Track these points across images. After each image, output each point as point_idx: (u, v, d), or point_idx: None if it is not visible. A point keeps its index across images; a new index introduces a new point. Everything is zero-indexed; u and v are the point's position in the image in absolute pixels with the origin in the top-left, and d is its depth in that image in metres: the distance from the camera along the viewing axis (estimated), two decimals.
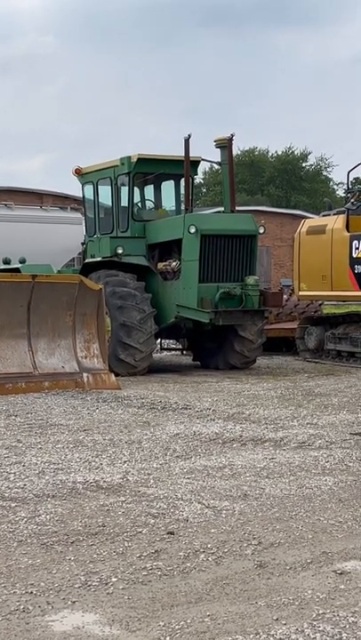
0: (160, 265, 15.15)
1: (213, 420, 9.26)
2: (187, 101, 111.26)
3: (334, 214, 16.95)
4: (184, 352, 17.75)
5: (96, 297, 12.47)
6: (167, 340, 17.91)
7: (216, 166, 20.78)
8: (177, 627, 3.72)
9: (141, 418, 9.45)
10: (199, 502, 5.76)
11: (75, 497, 5.94)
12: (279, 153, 67.68)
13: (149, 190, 16.27)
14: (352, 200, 16.37)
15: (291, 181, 65.34)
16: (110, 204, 15.82)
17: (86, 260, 15.88)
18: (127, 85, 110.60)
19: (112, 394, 11.40)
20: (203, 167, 59.92)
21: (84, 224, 17.60)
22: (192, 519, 5.37)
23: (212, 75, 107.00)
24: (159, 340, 16.69)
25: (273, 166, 66.29)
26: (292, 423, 8.99)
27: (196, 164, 15.87)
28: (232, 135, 14.97)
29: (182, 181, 15.44)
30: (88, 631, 3.70)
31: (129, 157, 15.24)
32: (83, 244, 16.84)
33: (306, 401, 10.82)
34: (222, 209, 16.22)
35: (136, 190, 15.80)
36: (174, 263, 14.82)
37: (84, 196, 16.76)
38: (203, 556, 4.68)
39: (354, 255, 15.66)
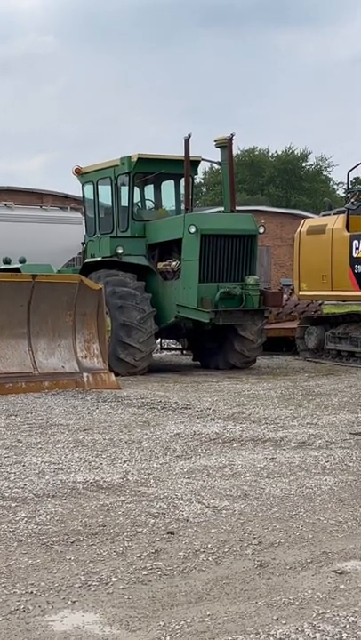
0: (160, 265, 15.15)
1: (213, 419, 9.26)
2: (187, 101, 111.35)
3: (334, 214, 16.95)
4: (184, 352, 17.76)
5: (96, 297, 12.47)
6: (167, 340, 17.91)
7: (216, 166, 20.80)
8: (177, 626, 3.72)
9: (141, 418, 9.45)
10: (199, 502, 5.77)
11: (75, 497, 5.94)
12: (279, 153, 67.73)
13: (149, 190, 16.27)
14: (352, 200, 16.37)
15: (291, 181, 65.33)
16: (110, 203, 15.82)
17: (86, 260, 15.88)
18: (127, 85, 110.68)
19: (112, 394, 11.40)
20: (203, 167, 59.92)
21: (84, 224, 17.60)
22: (192, 519, 5.37)
23: (212, 75, 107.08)
24: (159, 340, 16.69)
25: (273, 166, 66.28)
26: (293, 423, 8.99)
27: (196, 163, 15.87)
28: (232, 135, 14.98)
29: (182, 181, 15.44)
30: (88, 631, 3.70)
31: (129, 157, 15.24)
32: (83, 243, 16.84)
33: (306, 401, 10.82)
34: (222, 209, 16.22)
35: (136, 190, 15.79)
36: (174, 263, 14.82)
37: (84, 196, 16.76)
38: (203, 555, 4.68)
39: (354, 255, 15.66)
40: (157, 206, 16.31)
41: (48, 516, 5.43)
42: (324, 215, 17.98)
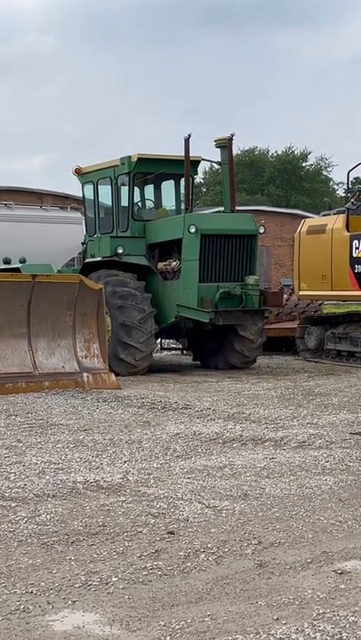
0: (160, 265, 15.16)
1: (214, 419, 9.26)
2: (187, 101, 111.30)
3: (334, 214, 16.96)
4: (184, 352, 17.76)
5: (96, 297, 12.47)
6: (167, 340, 17.91)
7: (216, 166, 20.79)
8: (177, 626, 3.72)
9: (141, 417, 9.45)
10: (199, 502, 5.77)
11: (75, 497, 5.94)
12: (279, 153, 67.72)
13: (149, 190, 16.27)
14: (352, 200, 16.37)
15: (291, 181, 65.31)
16: (110, 203, 15.82)
17: (86, 260, 15.88)
18: (127, 85, 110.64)
19: (112, 393, 11.40)
20: (203, 167, 59.91)
21: (84, 224, 17.60)
22: (192, 519, 5.37)
23: (212, 75, 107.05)
24: (159, 340, 16.69)
25: (273, 166, 66.26)
26: (293, 423, 8.99)
27: (196, 163, 15.87)
28: (232, 135, 14.98)
29: (182, 181, 15.44)
30: (88, 631, 3.70)
31: (129, 157, 15.24)
32: (83, 243, 16.85)
33: (306, 401, 10.82)
34: (222, 209, 16.22)
35: (136, 190, 15.80)
36: (174, 263, 14.83)
37: (84, 196, 16.77)
38: (203, 555, 4.69)
39: (354, 255, 15.66)
40: (157, 206, 16.31)
41: (48, 516, 5.43)
42: (324, 215, 17.99)
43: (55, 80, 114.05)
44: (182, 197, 15.69)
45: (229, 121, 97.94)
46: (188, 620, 3.78)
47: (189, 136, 14.57)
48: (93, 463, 6.98)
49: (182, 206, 15.44)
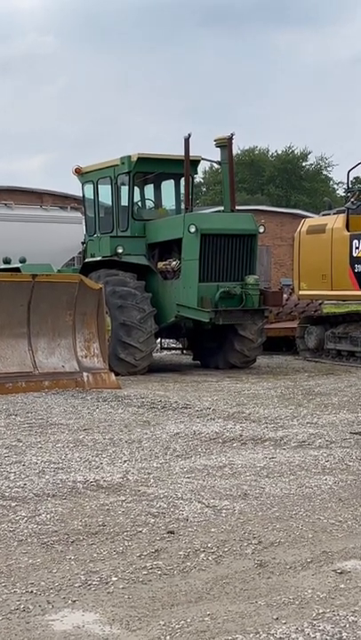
0: (160, 264, 15.16)
1: (213, 419, 9.26)
2: (187, 101, 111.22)
3: (334, 214, 16.95)
4: (184, 351, 17.76)
5: (96, 296, 12.47)
6: (167, 340, 17.91)
7: (216, 165, 20.80)
8: (177, 626, 3.72)
9: (141, 417, 9.45)
10: (199, 501, 5.77)
11: (75, 496, 5.95)
12: (279, 152, 67.71)
13: (149, 189, 16.27)
14: (352, 199, 16.36)
15: (291, 181, 65.30)
16: (110, 203, 15.83)
17: (86, 260, 15.89)
18: (127, 85, 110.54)
19: (112, 393, 11.41)
20: (203, 166, 59.93)
21: (84, 223, 17.61)
22: (192, 518, 5.37)
23: (212, 75, 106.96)
24: (159, 340, 16.69)
25: (273, 166, 66.25)
26: (293, 422, 8.99)
27: (196, 163, 15.87)
28: (232, 134, 14.97)
29: (182, 181, 15.44)
30: (88, 630, 3.70)
31: (129, 157, 15.24)
32: (83, 243, 16.85)
33: (306, 400, 10.83)
34: (222, 208, 16.22)
35: (136, 189, 15.80)
36: (174, 262, 14.83)
37: (84, 196, 16.77)
38: (203, 555, 4.69)
39: (354, 254, 15.66)
40: (157, 206, 16.31)
41: (48, 516, 5.43)
42: (324, 215, 17.99)
43: (55, 80, 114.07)
44: (182, 197, 15.69)
45: (229, 121, 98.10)
46: (188, 620, 3.79)
47: (189, 136, 14.57)
48: (93, 463, 6.98)
49: (182, 206, 15.44)
